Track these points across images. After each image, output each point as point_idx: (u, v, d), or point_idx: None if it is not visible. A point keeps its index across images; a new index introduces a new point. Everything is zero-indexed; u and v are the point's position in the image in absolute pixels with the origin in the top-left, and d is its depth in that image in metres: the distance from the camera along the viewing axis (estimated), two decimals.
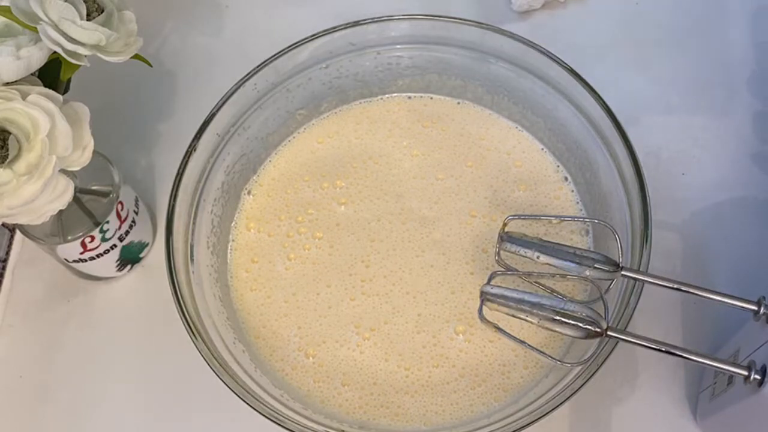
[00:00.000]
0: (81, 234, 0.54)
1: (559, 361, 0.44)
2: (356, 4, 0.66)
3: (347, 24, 0.56)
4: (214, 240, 0.55)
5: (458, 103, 0.62)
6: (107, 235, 0.55)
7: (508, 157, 0.59)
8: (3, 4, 0.46)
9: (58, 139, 0.45)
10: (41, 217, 0.47)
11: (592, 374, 0.44)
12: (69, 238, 0.53)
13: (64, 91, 0.51)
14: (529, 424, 0.44)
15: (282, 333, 0.54)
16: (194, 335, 0.47)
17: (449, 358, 0.52)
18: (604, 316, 0.43)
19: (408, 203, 0.57)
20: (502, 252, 0.49)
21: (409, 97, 0.62)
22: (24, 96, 0.45)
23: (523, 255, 0.48)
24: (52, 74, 0.50)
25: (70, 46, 0.46)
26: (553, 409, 0.43)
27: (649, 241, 0.47)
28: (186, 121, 0.57)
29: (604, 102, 0.51)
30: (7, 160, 0.43)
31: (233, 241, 0.58)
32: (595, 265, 0.46)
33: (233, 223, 0.58)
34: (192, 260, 0.52)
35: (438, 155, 0.60)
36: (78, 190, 0.53)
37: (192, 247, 0.52)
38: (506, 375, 0.51)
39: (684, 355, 0.42)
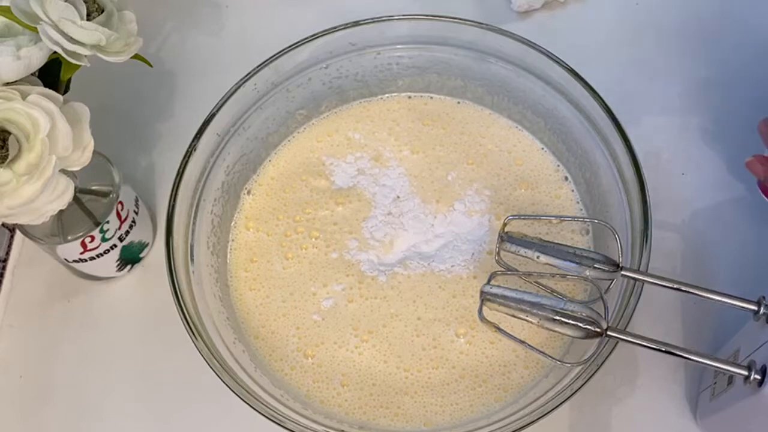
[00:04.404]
0: (81, 234, 0.54)
1: (559, 361, 0.44)
2: (356, 4, 0.66)
3: (347, 24, 0.56)
4: (214, 240, 0.55)
5: (458, 102, 0.62)
6: (107, 235, 0.55)
7: (508, 156, 0.59)
8: (3, 4, 0.46)
9: (58, 139, 0.45)
10: (41, 217, 0.47)
11: (592, 374, 0.44)
12: (69, 238, 0.54)
13: (64, 91, 0.51)
14: (529, 424, 0.44)
15: (281, 333, 0.54)
16: (194, 335, 0.47)
17: (449, 360, 0.52)
18: (604, 316, 0.43)
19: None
20: (502, 252, 0.49)
21: (409, 97, 0.62)
22: (24, 96, 0.45)
23: (523, 255, 0.48)
24: (52, 74, 0.50)
25: (70, 46, 0.46)
26: (553, 409, 0.43)
27: (649, 241, 0.47)
28: (186, 121, 0.57)
29: (604, 102, 0.51)
30: (7, 160, 0.43)
31: (233, 240, 0.58)
32: (595, 265, 0.46)
33: (233, 222, 0.58)
34: (192, 260, 0.52)
35: (438, 154, 0.59)
36: (78, 190, 0.52)
37: (192, 247, 0.52)
38: (506, 375, 0.51)
39: (684, 355, 0.42)
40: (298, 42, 0.56)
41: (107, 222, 0.54)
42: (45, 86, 0.47)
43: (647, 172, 0.49)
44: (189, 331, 0.47)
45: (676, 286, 0.45)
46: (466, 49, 0.57)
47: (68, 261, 0.56)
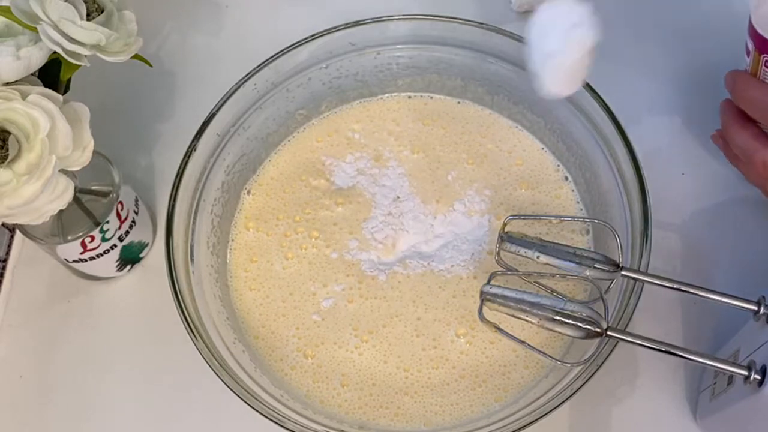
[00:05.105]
0: (81, 234, 0.54)
1: (559, 361, 0.44)
2: (356, 4, 0.66)
3: (347, 24, 0.56)
4: (214, 240, 0.55)
5: (458, 102, 0.62)
6: (107, 235, 0.55)
7: (508, 156, 0.59)
8: (3, 4, 0.46)
9: (58, 139, 0.45)
10: (41, 217, 0.47)
11: (592, 374, 0.44)
12: (69, 238, 0.53)
13: (64, 91, 0.51)
14: (529, 424, 0.44)
15: (281, 333, 0.54)
16: (194, 335, 0.47)
17: (449, 360, 0.52)
18: (604, 316, 0.43)
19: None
20: (502, 252, 0.49)
21: (409, 97, 0.62)
22: (24, 96, 0.45)
23: (523, 255, 0.48)
24: (52, 74, 0.50)
25: (70, 46, 0.46)
26: (553, 409, 0.43)
27: (649, 241, 0.47)
28: (186, 121, 0.57)
29: (604, 102, 0.51)
30: (7, 160, 0.43)
31: (233, 240, 0.58)
32: (595, 265, 0.46)
33: (233, 222, 0.58)
34: (192, 260, 0.52)
35: (438, 154, 0.59)
36: (78, 190, 0.52)
37: (192, 247, 0.52)
38: (506, 375, 0.51)
39: (684, 355, 0.42)
40: (298, 42, 0.56)
41: (107, 222, 0.54)
42: (45, 86, 0.47)
43: (647, 172, 0.49)
44: (189, 331, 0.47)
45: (676, 286, 0.45)
46: (466, 49, 0.57)
47: (68, 261, 0.56)
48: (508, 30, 0.55)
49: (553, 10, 0.43)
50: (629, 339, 0.43)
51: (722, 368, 0.41)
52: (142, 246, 0.60)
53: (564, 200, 0.57)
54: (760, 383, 0.40)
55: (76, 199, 0.54)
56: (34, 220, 0.47)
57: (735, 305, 0.44)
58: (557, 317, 0.43)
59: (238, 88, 0.55)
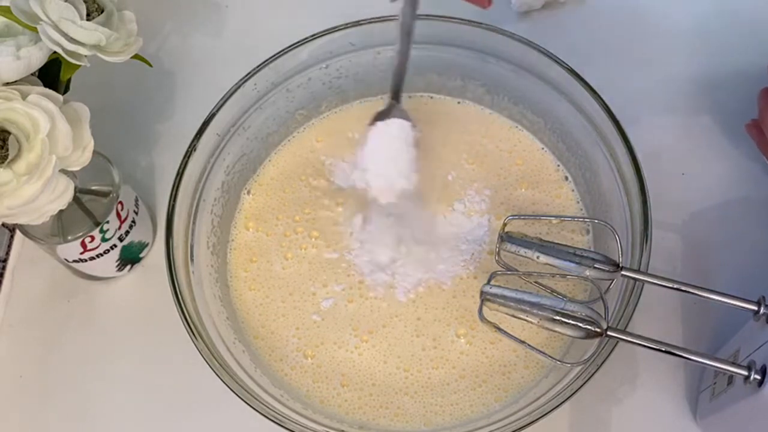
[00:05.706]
0: (81, 234, 0.54)
1: (559, 361, 0.44)
2: (356, 4, 0.66)
3: (347, 24, 0.56)
4: (214, 240, 0.55)
5: (458, 102, 0.62)
6: (107, 235, 0.55)
7: (508, 156, 0.59)
8: (3, 4, 0.46)
9: (58, 139, 0.45)
10: (41, 217, 0.47)
11: (592, 374, 0.44)
12: (69, 238, 0.54)
13: (64, 91, 0.51)
14: (529, 424, 0.44)
15: (280, 333, 0.54)
16: (194, 335, 0.47)
17: (449, 360, 0.52)
18: (604, 316, 0.43)
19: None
20: (502, 252, 0.49)
21: (410, 97, 0.62)
22: (24, 96, 0.45)
23: (523, 255, 0.48)
24: (52, 74, 0.50)
25: (70, 46, 0.46)
26: (553, 409, 0.43)
27: (648, 241, 0.47)
28: (186, 121, 0.57)
29: (604, 102, 0.51)
30: (7, 160, 0.43)
31: (233, 240, 0.57)
32: (595, 265, 0.46)
33: (233, 222, 0.58)
34: (192, 260, 0.52)
35: (438, 154, 0.59)
36: (78, 190, 0.52)
37: (192, 247, 0.52)
38: (506, 375, 0.51)
39: (684, 355, 0.42)
40: (298, 42, 0.56)
41: (107, 222, 0.54)
42: (45, 86, 0.47)
43: (647, 172, 0.49)
44: (189, 331, 0.47)
45: (676, 286, 0.45)
46: (466, 49, 0.57)
47: (68, 261, 0.56)
48: (508, 30, 0.55)
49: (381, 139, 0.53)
50: (629, 339, 0.43)
51: (722, 368, 0.41)
52: (142, 246, 0.60)
53: (564, 200, 0.57)
54: (760, 383, 0.40)
55: (76, 199, 0.54)
56: (34, 220, 0.47)
57: (735, 305, 0.44)
58: (557, 317, 0.43)
59: (238, 88, 0.55)
